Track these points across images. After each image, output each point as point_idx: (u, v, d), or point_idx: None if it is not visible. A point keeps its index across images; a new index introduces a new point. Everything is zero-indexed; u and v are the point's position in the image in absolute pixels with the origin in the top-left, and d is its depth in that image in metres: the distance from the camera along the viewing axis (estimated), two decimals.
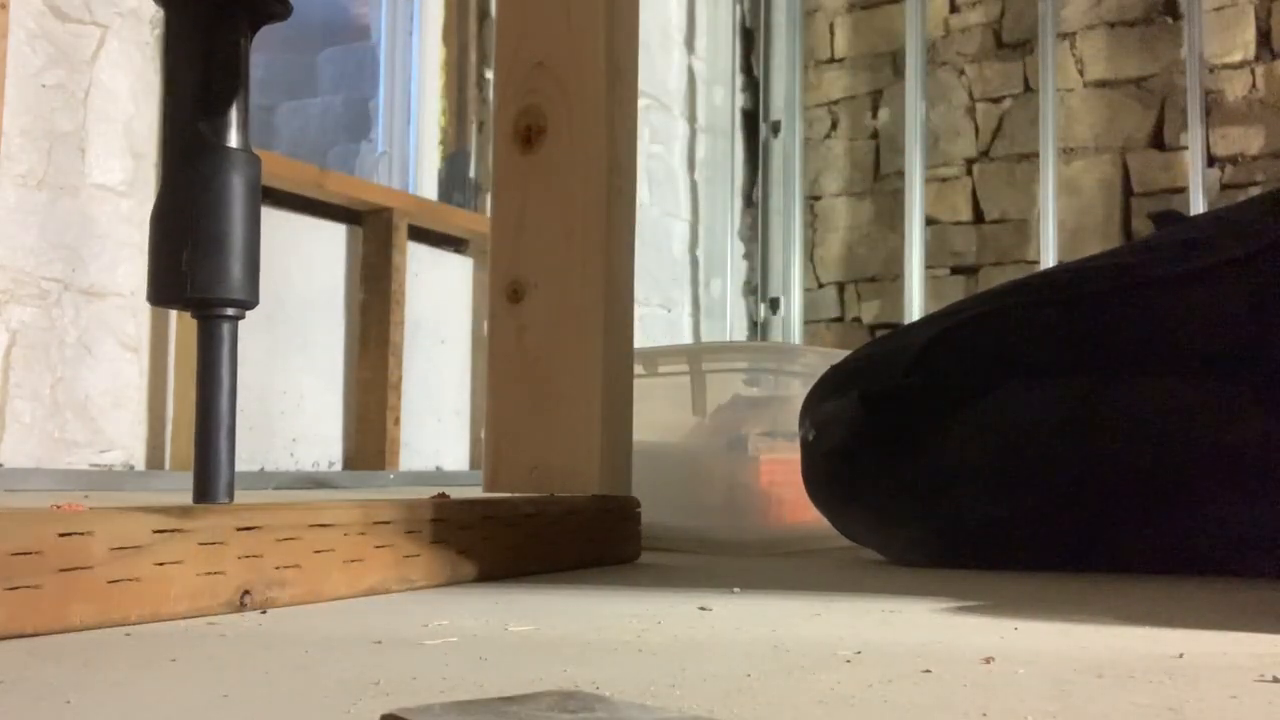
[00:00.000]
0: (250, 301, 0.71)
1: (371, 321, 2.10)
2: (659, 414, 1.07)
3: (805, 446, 0.93)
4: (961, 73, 2.92)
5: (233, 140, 0.70)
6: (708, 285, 3.10)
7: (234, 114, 0.71)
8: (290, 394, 1.97)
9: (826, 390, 0.92)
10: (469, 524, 0.72)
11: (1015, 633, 0.54)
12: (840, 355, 0.98)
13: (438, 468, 2.26)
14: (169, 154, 0.71)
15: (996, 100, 2.87)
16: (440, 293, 2.29)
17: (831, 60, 3.13)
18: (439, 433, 2.27)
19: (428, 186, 2.39)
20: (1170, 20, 2.66)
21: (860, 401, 0.88)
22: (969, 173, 2.90)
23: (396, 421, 2.10)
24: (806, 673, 0.43)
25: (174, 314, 1.74)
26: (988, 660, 0.46)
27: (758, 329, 3.17)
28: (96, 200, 1.66)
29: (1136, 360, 0.81)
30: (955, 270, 2.89)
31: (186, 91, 0.70)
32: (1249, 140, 2.58)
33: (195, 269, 0.69)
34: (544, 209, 0.98)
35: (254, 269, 0.71)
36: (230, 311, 0.70)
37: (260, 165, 0.72)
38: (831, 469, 0.91)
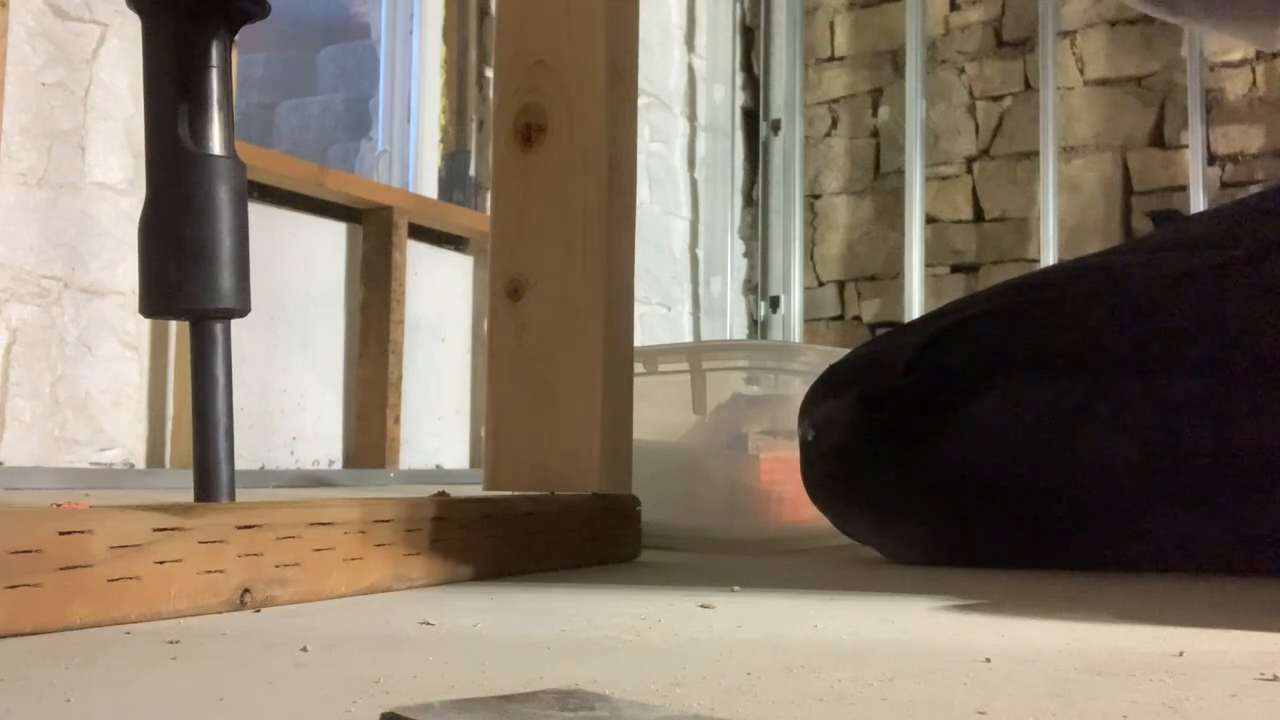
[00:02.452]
0: (241, 310, 0.71)
1: (372, 320, 2.10)
2: (659, 413, 1.07)
3: (804, 446, 0.93)
4: (962, 71, 2.92)
5: (216, 147, 0.70)
6: (708, 283, 3.10)
7: (216, 120, 0.70)
8: (290, 392, 1.97)
9: (825, 390, 0.92)
10: (469, 522, 0.72)
11: (1015, 631, 0.54)
12: (840, 354, 0.98)
13: (438, 466, 2.26)
14: (152, 165, 0.70)
15: (997, 98, 2.87)
16: (440, 291, 2.28)
17: (832, 58, 3.13)
18: (439, 431, 2.27)
19: (428, 185, 2.39)
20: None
21: (859, 401, 0.88)
22: (969, 171, 2.90)
23: (396, 420, 2.10)
24: (807, 671, 0.43)
25: None
26: (988, 659, 0.46)
27: (758, 327, 3.17)
28: (96, 198, 1.66)
29: (1134, 359, 0.81)
30: (955, 269, 2.89)
31: (166, 100, 0.69)
32: (1249, 138, 2.58)
33: (184, 281, 0.68)
34: (544, 207, 0.98)
35: (244, 276, 0.71)
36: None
37: (245, 171, 0.71)
38: (831, 468, 0.91)
